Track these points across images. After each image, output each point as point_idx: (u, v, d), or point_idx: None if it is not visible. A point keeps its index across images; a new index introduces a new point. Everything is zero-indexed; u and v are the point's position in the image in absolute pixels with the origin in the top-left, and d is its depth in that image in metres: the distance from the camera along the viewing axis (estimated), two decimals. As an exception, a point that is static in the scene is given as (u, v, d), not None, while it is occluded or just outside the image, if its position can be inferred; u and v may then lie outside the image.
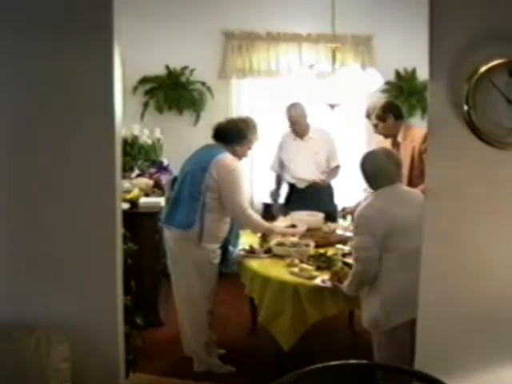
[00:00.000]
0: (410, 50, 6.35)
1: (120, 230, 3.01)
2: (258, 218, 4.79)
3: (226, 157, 4.53)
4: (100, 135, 2.86)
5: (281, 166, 6.29)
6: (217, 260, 4.65)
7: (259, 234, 5.00)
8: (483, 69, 2.51)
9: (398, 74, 6.82)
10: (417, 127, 5.18)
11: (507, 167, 2.62)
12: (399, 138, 5.11)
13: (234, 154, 4.62)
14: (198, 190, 4.49)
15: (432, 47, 2.61)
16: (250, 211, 4.63)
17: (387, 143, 5.16)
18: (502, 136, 2.56)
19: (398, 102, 6.20)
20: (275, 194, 6.40)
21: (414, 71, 6.78)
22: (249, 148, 4.74)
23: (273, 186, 6.49)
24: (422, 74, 6.54)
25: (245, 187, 4.60)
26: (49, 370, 2.68)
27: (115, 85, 2.84)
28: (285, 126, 6.15)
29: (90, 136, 2.85)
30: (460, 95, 2.54)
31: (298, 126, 6.01)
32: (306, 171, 6.09)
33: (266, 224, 4.88)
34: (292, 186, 6.27)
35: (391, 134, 5.16)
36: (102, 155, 2.88)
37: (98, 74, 2.80)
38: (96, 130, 2.85)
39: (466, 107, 2.54)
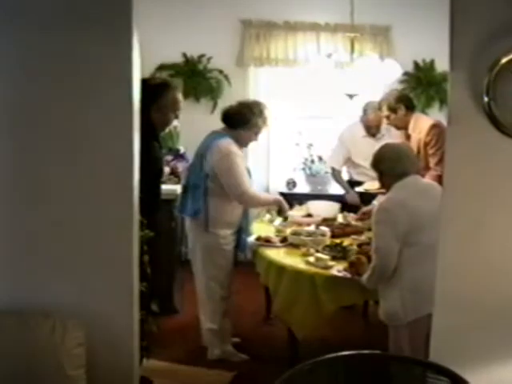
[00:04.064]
0: (428, 41, 6.35)
1: (137, 217, 3.01)
2: (261, 194, 4.79)
3: (222, 142, 4.52)
4: (117, 122, 2.85)
5: (345, 163, 6.18)
6: (229, 246, 4.67)
7: (277, 223, 5.02)
8: (504, 60, 2.46)
9: (416, 64, 6.76)
10: (426, 118, 5.19)
11: (527, 160, 2.59)
12: (410, 130, 5.12)
13: (239, 138, 4.62)
14: (199, 177, 4.54)
15: (453, 38, 2.57)
16: (251, 191, 4.61)
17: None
18: (523, 129, 2.53)
19: (416, 93, 6.23)
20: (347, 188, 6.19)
21: (432, 62, 6.71)
22: (255, 133, 4.70)
23: (290, 176, 6.44)
24: (441, 65, 6.55)
25: (243, 169, 4.56)
26: (63, 355, 2.68)
27: (134, 72, 2.82)
28: (302, 114, 6.09)
29: (107, 124, 2.84)
30: (480, 86, 2.50)
31: (375, 128, 5.86)
32: None
33: (271, 197, 4.92)
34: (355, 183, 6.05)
35: (403, 126, 5.17)
36: (119, 142, 2.87)
37: (117, 61, 2.78)
38: (113, 118, 2.84)
39: (486, 98, 2.50)
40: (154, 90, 3.81)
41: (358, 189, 5.48)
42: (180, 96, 4.08)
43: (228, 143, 4.54)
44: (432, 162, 4.97)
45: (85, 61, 2.78)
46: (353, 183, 6.04)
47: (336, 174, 6.25)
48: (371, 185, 5.26)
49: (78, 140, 2.86)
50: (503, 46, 2.47)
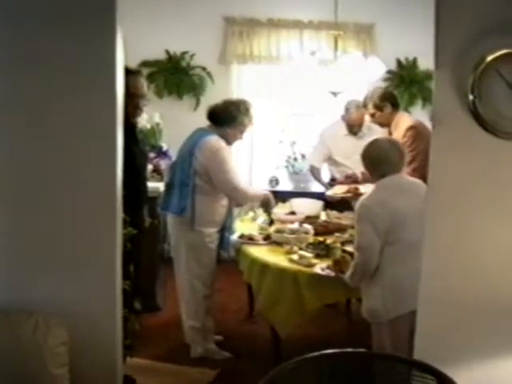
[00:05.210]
0: (411, 39, 6.42)
1: (120, 215, 2.99)
2: (253, 189, 4.80)
3: (210, 139, 4.51)
4: (101, 120, 2.84)
5: (325, 161, 6.13)
6: (213, 244, 4.67)
7: (260, 221, 5.03)
8: (490, 58, 2.48)
9: (399, 62, 6.78)
10: (407, 118, 5.17)
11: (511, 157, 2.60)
12: (392, 128, 5.11)
13: (225, 136, 4.60)
14: (187, 175, 4.52)
15: (438, 36, 2.58)
16: (243, 185, 4.64)
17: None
18: (507, 126, 2.54)
19: (399, 91, 6.22)
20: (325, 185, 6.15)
21: (415, 60, 6.73)
22: (241, 131, 4.69)
23: (273, 174, 6.44)
24: (423, 63, 6.61)
25: (233, 165, 4.57)
26: (47, 354, 2.67)
27: (118, 68, 2.81)
28: (286, 112, 6.08)
29: (91, 121, 2.83)
30: (465, 85, 2.52)
31: (357, 127, 5.83)
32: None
33: (260, 191, 4.92)
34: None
35: (387, 124, 5.15)
36: (102, 140, 2.86)
37: (101, 58, 2.78)
38: (97, 115, 2.83)
39: (471, 97, 2.52)
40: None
41: (328, 192, 5.45)
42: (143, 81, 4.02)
43: (217, 139, 4.53)
44: None
45: (69, 57, 2.77)
46: (334, 181, 6.01)
47: (314, 172, 6.22)
48: (339, 188, 5.30)
49: (61, 138, 2.85)
50: (488, 44, 2.49)
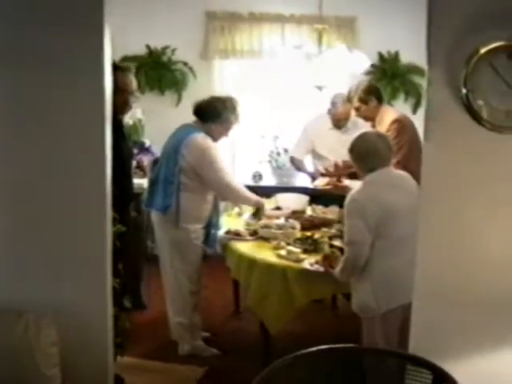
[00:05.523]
0: (393, 33, 6.47)
1: (110, 212, 2.96)
2: (245, 191, 4.77)
3: (197, 136, 4.47)
4: (89, 118, 2.82)
5: (308, 154, 6.09)
6: (199, 241, 4.64)
7: (246, 217, 5.01)
8: (483, 50, 2.47)
9: (381, 56, 6.76)
10: (391, 111, 5.17)
11: (505, 150, 2.60)
12: (376, 122, 5.10)
13: (210, 132, 4.56)
14: (172, 172, 4.47)
15: (430, 30, 2.56)
16: (235, 184, 4.62)
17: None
18: (500, 119, 2.54)
19: (382, 85, 6.19)
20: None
21: (397, 54, 6.71)
22: (226, 128, 4.66)
23: (256, 169, 6.40)
24: (406, 57, 6.62)
25: (222, 162, 4.56)
26: (39, 355, 2.65)
27: (106, 62, 2.82)
28: (269, 108, 6.04)
29: (79, 118, 2.81)
30: (458, 79, 2.51)
31: (344, 121, 5.76)
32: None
33: (254, 197, 4.87)
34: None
35: (372, 117, 5.14)
36: (90, 137, 2.84)
37: (89, 52, 2.78)
38: (85, 112, 2.81)
39: (464, 90, 2.51)
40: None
41: (311, 185, 5.45)
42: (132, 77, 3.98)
43: (204, 137, 4.50)
44: None
45: (58, 51, 2.75)
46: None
47: (296, 163, 6.16)
48: (321, 181, 5.32)
49: (49, 136, 2.83)
50: (481, 37, 2.47)
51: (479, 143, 2.60)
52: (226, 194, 4.62)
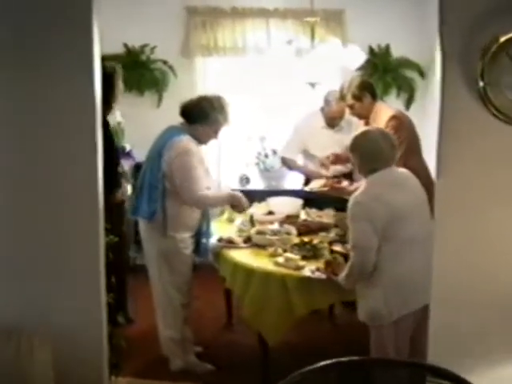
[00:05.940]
0: (383, 25, 6.29)
1: (102, 224, 2.89)
2: (213, 194, 4.54)
3: (180, 140, 4.24)
4: (81, 126, 2.84)
5: (299, 154, 5.79)
6: (188, 250, 4.41)
7: (238, 222, 4.79)
8: (502, 40, 2.38)
9: (371, 50, 6.51)
10: (387, 108, 4.97)
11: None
12: (370, 120, 4.91)
13: (197, 135, 4.33)
14: (156, 177, 4.25)
15: (443, 21, 2.49)
16: (203, 193, 4.29)
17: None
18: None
19: (373, 80, 5.97)
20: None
21: (387, 47, 6.49)
22: (215, 130, 4.40)
23: (243, 172, 6.29)
24: (397, 50, 6.45)
25: (199, 170, 4.26)
26: (31, 376, 2.61)
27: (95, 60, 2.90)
28: (255, 107, 5.79)
29: (71, 128, 2.84)
30: (474, 71, 2.44)
31: (338, 119, 5.50)
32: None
33: (224, 194, 4.70)
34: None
35: (366, 115, 4.94)
36: (83, 148, 2.85)
37: (78, 50, 2.88)
38: (77, 121, 2.84)
39: (481, 83, 2.43)
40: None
41: (306, 188, 5.28)
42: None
43: (187, 141, 4.25)
44: None
45: (47, 50, 2.79)
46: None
47: (288, 162, 5.84)
48: (316, 183, 5.12)
49: (43, 144, 2.83)
50: (497, 26, 2.40)
51: (497, 138, 2.53)
52: (194, 203, 4.33)
